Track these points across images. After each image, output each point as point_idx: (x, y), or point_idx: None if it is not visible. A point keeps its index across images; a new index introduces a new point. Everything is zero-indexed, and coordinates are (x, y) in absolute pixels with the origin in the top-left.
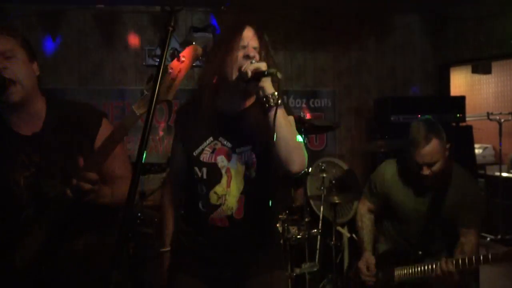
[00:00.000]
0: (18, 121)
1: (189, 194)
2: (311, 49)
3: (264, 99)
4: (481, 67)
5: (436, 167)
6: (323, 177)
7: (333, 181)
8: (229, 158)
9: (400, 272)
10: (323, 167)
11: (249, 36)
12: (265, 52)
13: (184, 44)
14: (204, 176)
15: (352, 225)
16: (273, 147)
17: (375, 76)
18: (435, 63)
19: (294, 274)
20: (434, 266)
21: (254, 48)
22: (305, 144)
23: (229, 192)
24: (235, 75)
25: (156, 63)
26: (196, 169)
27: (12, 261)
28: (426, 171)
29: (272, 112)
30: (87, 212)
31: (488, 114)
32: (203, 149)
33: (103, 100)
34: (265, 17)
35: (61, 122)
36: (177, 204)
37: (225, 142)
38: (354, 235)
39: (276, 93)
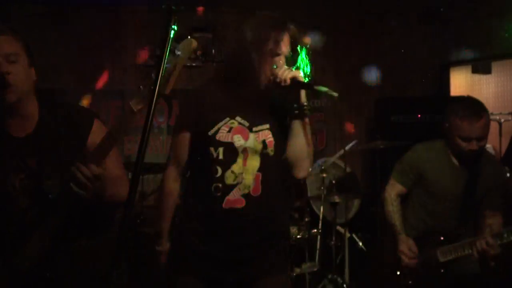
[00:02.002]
0: (12, 124)
1: (199, 182)
2: (311, 49)
3: (294, 106)
4: (481, 67)
5: (483, 142)
6: (323, 177)
7: (333, 181)
8: (246, 137)
9: (444, 251)
10: (323, 167)
11: (286, 43)
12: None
13: (179, 38)
14: (220, 156)
15: (352, 225)
16: (289, 150)
17: (375, 76)
18: (435, 63)
19: (294, 274)
20: (477, 241)
21: (286, 56)
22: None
23: (246, 169)
24: (264, 76)
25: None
26: (212, 149)
27: (13, 263)
28: (474, 146)
29: (297, 123)
30: (88, 213)
31: None
32: (219, 129)
33: (103, 100)
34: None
35: (53, 124)
36: (178, 192)
37: (242, 121)
38: (354, 235)
39: (306, 104)
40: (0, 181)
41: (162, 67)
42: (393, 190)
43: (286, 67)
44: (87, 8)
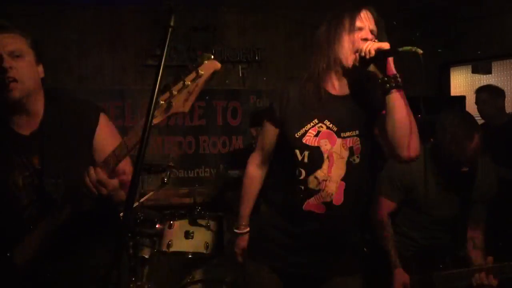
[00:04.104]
0: (17, 121)
1: (284, 179)
2: (311, 49)
3: (385, 79)
4: (481, 67)
5: (475, 163)
6: None
7: None
8: (333, 142)
9: (440, 278)
10: None
11: (366, 18)
12: (381, 34)
13: (203, 58)
14: (305, 160)
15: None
16: (385, 131)
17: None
18: (435, 63)
19: None
20: (473, 274)
21: (371, 31)
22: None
23: (330, 177)
24: (351, 58)
25: (156, 63)
26: (297, 152)
27: (12, 260)
28: (464, 168)
29: (393, 94)
30: (91, 214)
31: None
32: (306, 131)
33: (103, 100)
34: (265, 17)
35: (59, 120)
36: (262, 178)
37: (330, 125)
38: None
39: (397, 74)
40: (3, 178)
41: (162, 67)
42: (385, 210)
43: (370, 42)
44: (87, 8)
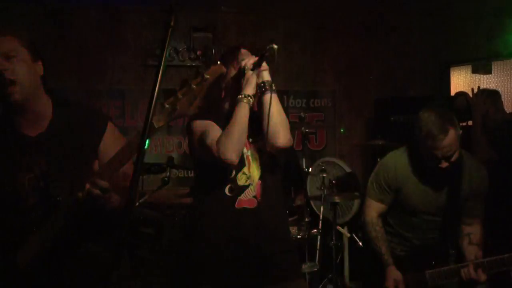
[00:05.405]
0: (23, 122)
1: (213, 183)
2: (311, 49)
3: (262, 84)
4: (481, 67)
5: (453, 158)
6: (323, 177)
7: (333, 181)
8: (247, 147)
9: (433, 275)
10: (323, 167)
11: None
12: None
13: (209, 62)
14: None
15: (352, 225)
16: (263, 125)
17: (375, 76)
18: (435, 63)
19: None
20: (462, 270)
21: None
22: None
23: (251, 175)
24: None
25: (156, 63)
26: None
27: (15, 262)
28: (444, 164)
29: (267, 95)
30: (94, 219)
31: None
32: None
33: (103, 100)
34: (265, 17)
35: (67, 124)
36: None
37: None
38: (354, 235)
39: (270, 80)
40: (9, 179)
41: (162, 67)
42: (373, 211)
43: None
44: (87, 8)
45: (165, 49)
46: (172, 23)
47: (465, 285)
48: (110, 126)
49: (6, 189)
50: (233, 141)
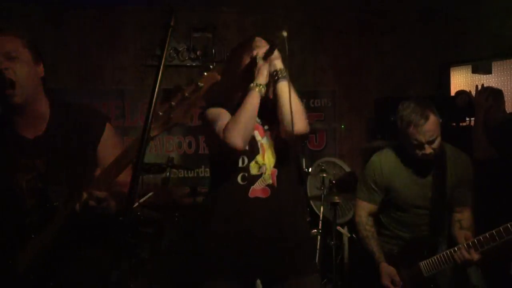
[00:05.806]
0: (22, 123)
1: (226, 172)
2: (311, 49)
3: (275, 73)
4: (481, 67)
5: (436, 144)
6: (323, 177)
7: (333, 181)
8: (261, 134)
9: (427, 265)
10: (323, 167)
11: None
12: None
13: (203, 70)
14: (247, 147)
15: (352, 225)
16: (278, 113)
17: (375, 76)
18: (435, 63)
19: None
20: (454, 253)
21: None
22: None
23: (265, 163)
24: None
25: (156, 63)
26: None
27: (13, 265)
28: (428, 150)
29: (280, 83)
30: (92, 223)
31: None
32: None
33: (103, 100)
34: (265, 17)
35: (65, 125)
36: None
37: (258, 120)
38: (354, 235)
39: (283, 68)
40: (7, 180)
41: (161, 67)
42: (363, 211)
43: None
44: (86, 8)
45: (165, 49)
46: (172, 23)
47: (459, 268)
48: (108, 127)
49: (4, 190)
50: (239, 127)
